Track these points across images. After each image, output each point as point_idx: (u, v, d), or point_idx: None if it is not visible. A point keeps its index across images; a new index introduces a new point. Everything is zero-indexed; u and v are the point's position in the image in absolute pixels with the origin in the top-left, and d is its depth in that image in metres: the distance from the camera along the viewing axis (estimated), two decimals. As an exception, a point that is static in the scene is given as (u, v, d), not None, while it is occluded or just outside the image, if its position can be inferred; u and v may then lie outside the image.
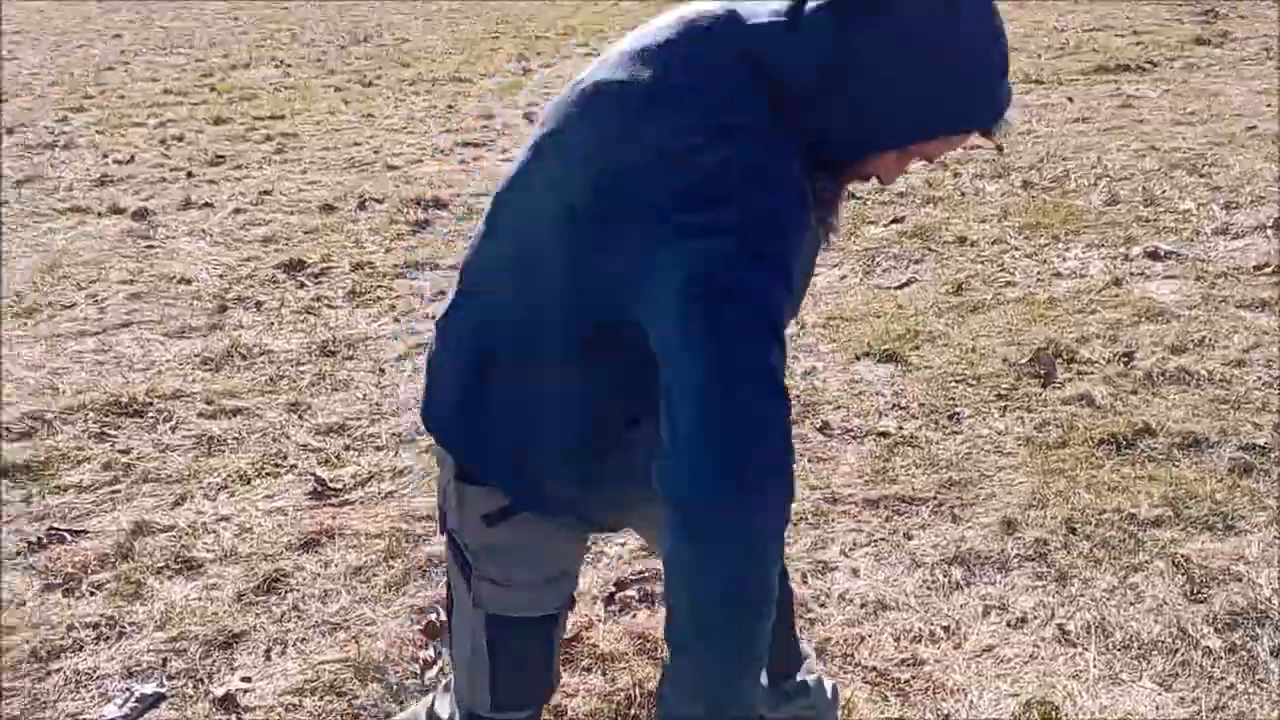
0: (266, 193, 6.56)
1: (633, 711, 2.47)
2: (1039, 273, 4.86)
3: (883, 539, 3.07)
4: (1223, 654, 2.56)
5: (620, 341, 1.34)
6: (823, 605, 2.82)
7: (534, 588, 1.68)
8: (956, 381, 3.90)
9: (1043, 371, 3.90)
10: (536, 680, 1.79)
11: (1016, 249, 5.17)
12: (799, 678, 2.14)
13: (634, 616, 2.78)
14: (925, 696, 2.50)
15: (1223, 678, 2.50)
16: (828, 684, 2.18)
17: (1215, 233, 5.20)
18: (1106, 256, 4.99)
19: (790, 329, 1.49)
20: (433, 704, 2.05)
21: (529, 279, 1.43)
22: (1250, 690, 2.45)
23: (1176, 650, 2.58)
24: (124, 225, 6.04)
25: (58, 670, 2.63)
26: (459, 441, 1.60)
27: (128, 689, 2.57)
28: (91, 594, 2.92)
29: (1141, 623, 2.68)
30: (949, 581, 2.88)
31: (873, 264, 5.12)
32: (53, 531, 3.16)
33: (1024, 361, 3.98)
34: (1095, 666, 2.55)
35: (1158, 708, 2.42)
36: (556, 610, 1.75)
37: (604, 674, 2.59)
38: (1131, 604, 2.75)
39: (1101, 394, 3.72)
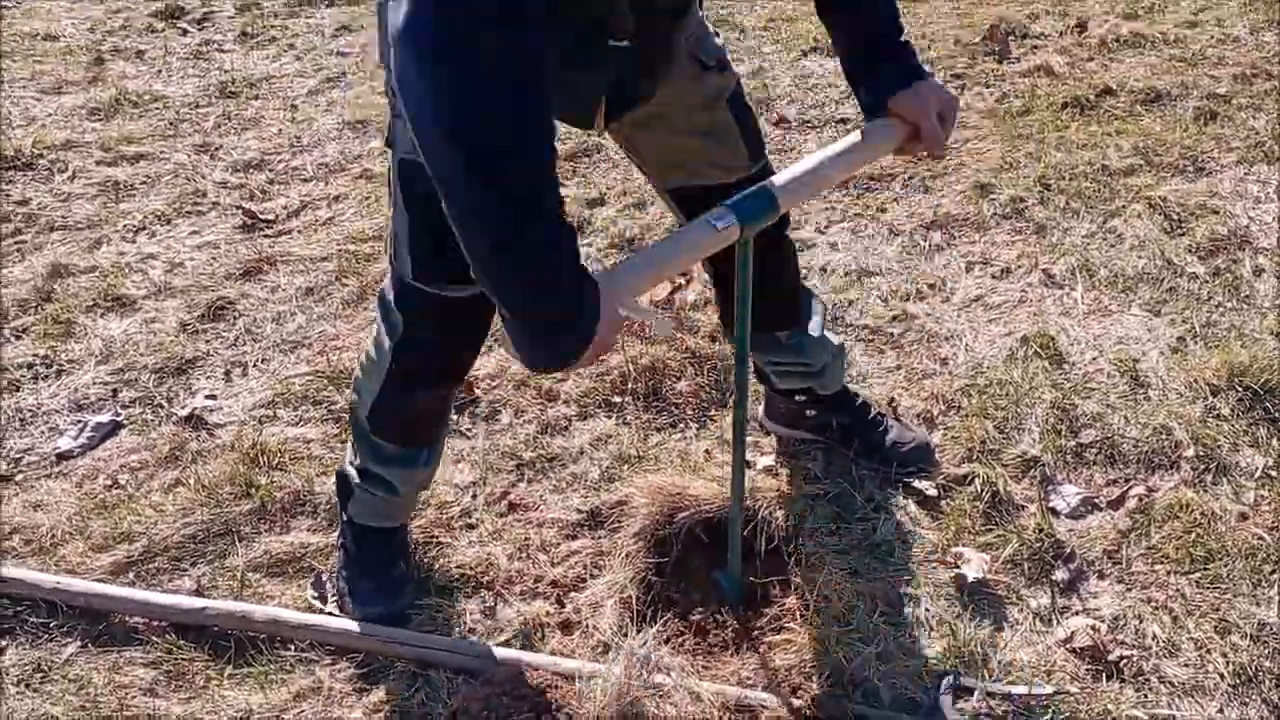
0: (124, -56, 5.82)
1: (628, 385, 2.38)
2: (979, -40, 4.62)
3: (857, 214, 2.97)
4: (1208, 278, 2.56)
5: None
6: (805, 279, 2.73)
7: None
8: (909, 66, 3.73)
9: (997, 48, 3.74)
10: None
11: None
12: (796, 330, 2.04)
13: (614, 303, 2.65)
14: (920, 346, 2.46)
15: (1210, 298, 2.50)
16: (833, 339, 2.10)
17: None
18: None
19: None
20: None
21: None
22: (1238, 306, 2.47)
23: (1162, 279, 2.57)
24: (-36, -12, 5.31)
25: (-4, 411, 2.42)
26: None
27: (79, 420, 2.37)
28: (17, 338, 2.66)
29: (1125, 259, 2.65)
30: (929, 244, 2.81)
31: (805, -34, 4.81)
32: (-42, 284, 2.85)
33: (977, 41, 3.82)
34: (1084, 302, 2.54)
35: (1149, 330, 2.43)
36: None
37: (592, 357, 2.48)
38: (1113, 245, 2.72)
39: (1059, 63, 3.60)
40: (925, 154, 1.60)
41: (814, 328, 2.03)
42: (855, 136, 1.54)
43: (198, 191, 3.30)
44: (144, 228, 3.14)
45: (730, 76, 1.72)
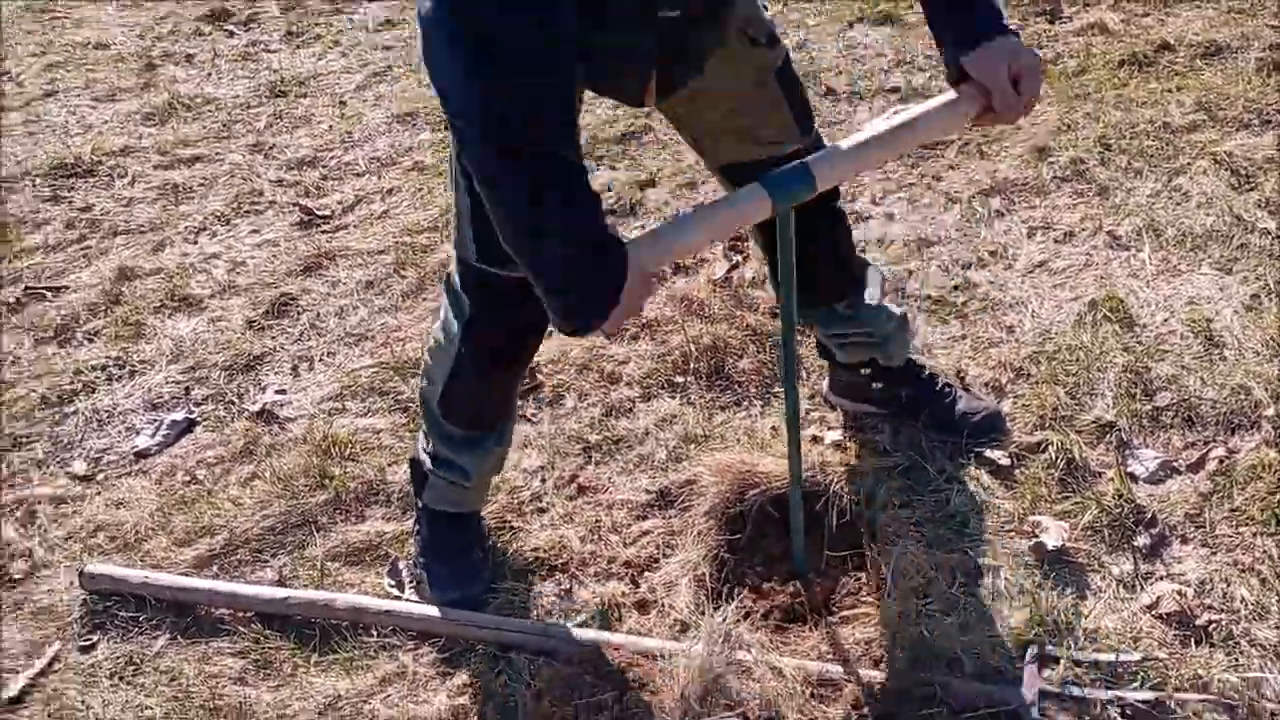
0: (167, -50, 5.90)
1: (690, 365, 2.38)
2: (1025, -81, 4.52)
3: (912, 183, 2.93)
4: (1279, 234, 2.50)
5: None
6: (863, 251, 2.70)
7: None
8: (958, 32, 3.66)
9: (1048, 8, 3.66)
10: None
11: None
12: (854, 300, 2.02)
13: (673, 284, 2.65)
14: (984, 314, 2.43)
15: (1283, 254, 2.44)
16: (895, 309, 2.07)
17: None
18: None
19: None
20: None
21: None
22: (1313, 260, 2.40)
23: (1232, 237, 2.51)
24: (18, 3, 5.42)
25: (74, 412, 2.48)
26: None
27: (155, 419, 2.43)
28: (89, 341, 2.72)
29: (1193, 218, 2.59)
30: (988, 211, 2.77)
31: (846, -65, 4.73)
32: (30, 291, 2.92)
33: (1027, 2, 3.74)
34: (1152, 263, 2.48)
35: (1221, 289, 2.37)
36: None
37: (653, 338, 2.48)
38: (1179, 204, 2.66)
39: (1113, 20, 3.51)
40: (1001, 123, 1.51)
41: (871, 296, 2.01)
42: (912, 110, 1.46)
43: (254, 191, 3.35)
44: (205, 228, 3.19)
45: (779, 51, 1.70)
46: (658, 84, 1.54)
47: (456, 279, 1.69)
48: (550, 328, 1.45)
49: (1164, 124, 2.94)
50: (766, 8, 1.71)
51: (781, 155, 1.68)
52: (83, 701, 1.82)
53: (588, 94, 1.61)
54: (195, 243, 3.13)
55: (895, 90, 3.40)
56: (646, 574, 1.94)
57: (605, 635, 1.78)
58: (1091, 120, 3.02)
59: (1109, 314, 2.33)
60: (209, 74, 4.27)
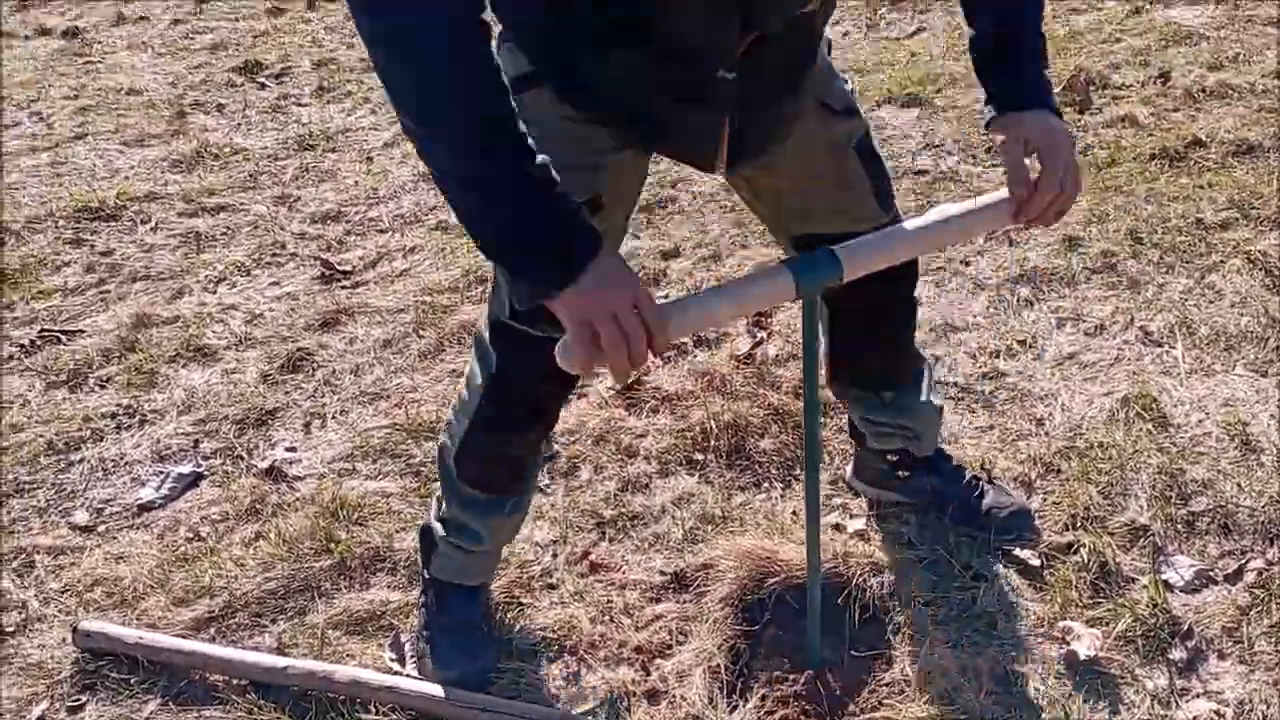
0: (204, 0, 6.00)
1: (710, 443, 2.32)
2: (1054, 10, 4.57)
3: (940, 267, 2.90)
4: (1316, 337, 2.45)
5: None
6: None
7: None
8: (987, 118, 3.67)
9: (1078, 99, 3.67)
10: None
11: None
12: (902, 391, 1.97)
13: (694, 358, 2.61)
14: (1013, 405, 2.37)
15: (1320, 358, 2.39)
16: (938, 402, 2.02)
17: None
18: (1121, -9, 4.71)
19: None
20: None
21: None
22: (1350, 366, 2.35)
23: (1267, 338, 2.47)
24: (55, 45, 5.51)
25: (80, 460, 2.43)
26: None
27: (161, 471, 2.38)
28: (101, 387, 2.68)
29: (1226, 316, 2.55)
30: (1017, 300, 2.73)
31: (875, 17, 4.79)
32: (45, 334, 2.90)
33: (1058, 90, 3.75)
34: (1185, 361, 2.44)
35: (1257, 391, 2.32)
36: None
37: (673, 413, 2.43)
38: (1212, 302, 2.62)
39: (1143, 114, 3.52)
40: (1029, 222, 1.44)
41: (923, 391, 1.96)
42: (953, 207, 1.44)
43: (276, 242, 3.34)
44: (224, 278, 3.17)
45: (860, 123, 1.66)
46: (729, 151, 1.50)
47: (486, 333, 1.66)
48: (573, 391, 1.39)
49: (1196, 220, 2.92)
50: (848, 81, 1.68)
51: (858, 232, 1.62)
52: (65, 768, 1.74)
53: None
54: (214, 292, 3.11)
55: (924, 173, 3.40)
56: (658, 660, 1.87)
57: (614, 726, 1.71)
58: (1122, 213, 3.00)
59: (1142, 411, 2.27)
60: (238, 124, 4.30)
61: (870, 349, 1.94)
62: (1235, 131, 3.33)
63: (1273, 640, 1.77)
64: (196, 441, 2.48)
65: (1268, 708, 1.65)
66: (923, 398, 1.97)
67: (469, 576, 1.92)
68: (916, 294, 1.90)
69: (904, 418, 1.99)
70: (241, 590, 2.04)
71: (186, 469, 2.37)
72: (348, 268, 3.17)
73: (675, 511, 2.18)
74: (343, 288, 3.08)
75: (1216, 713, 1.64)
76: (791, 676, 1.80)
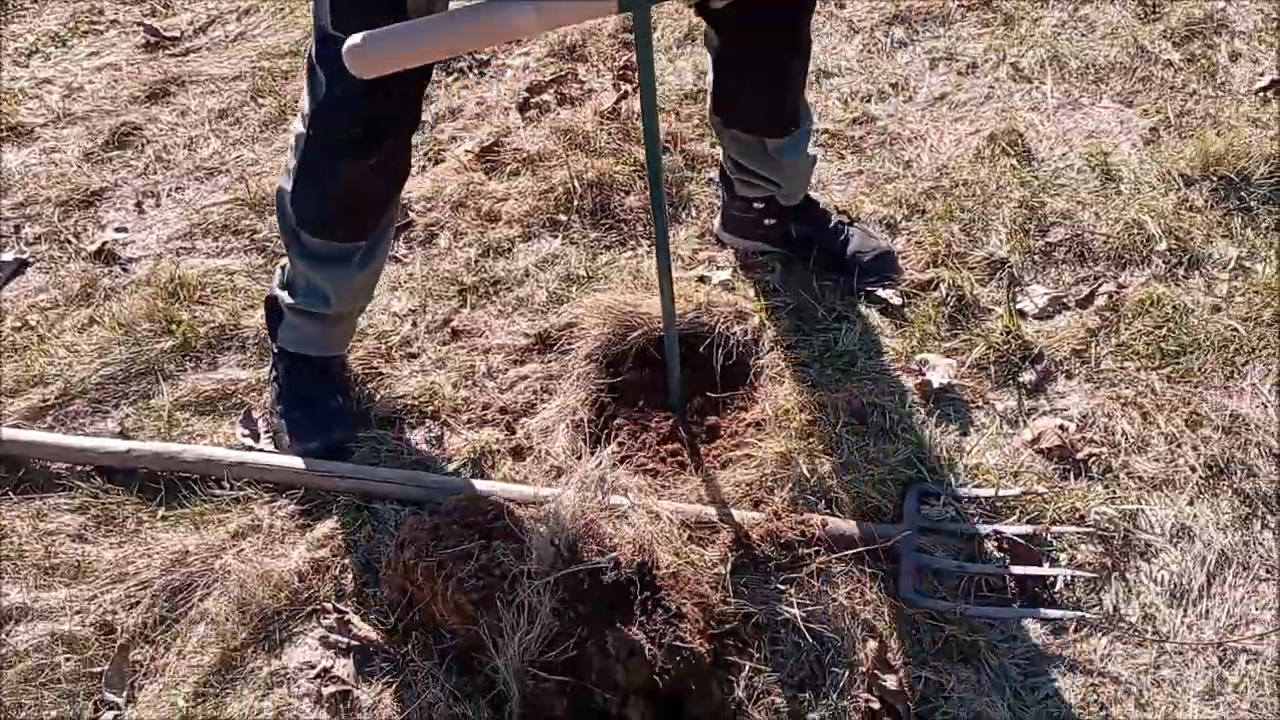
0: None
1: (574, 203, 2.23)
2: None
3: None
4: (1182, 65, 2.42)
5: None
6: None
7: None
8: None
9: None
10: None
11: None
12: (788, 141, 1.87)
13: (556, 115, 2.47)
14: (882, 149, 2.32)
15: (1184, 86, 2.37)
16: (813, 153, 1.95)
17: None
18: None
19: None
20: None
21: None
22: (1213, 94, 2.34)
23: (1135, 69, 2.43)
24: None
25: (-114, 254, 2.22)
26: None
27: (-20, 261, 2.19)
28: (-98, 175, 2.43)
29: (1097, 49, 2.50)
30: (891, 41, 2.63)
31: None
32: None
33: None
34: (1054, 96, 2.39)
35: (1121, 122, 2.30)
36: None
37: (535, 174, 2.31)
38: (1084, 34, 2.55)
39: None
40: None
41: (804, 146, 1.88)
42: None
43: (93, 9, 3.00)
44: (37, 50, 2.85)
45: None
46: None
47: (314, 51, 1.50)
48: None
49: (1073, -49, 2.81)
50: None
51: None
52: (-98, 565, 1.66)
53: None
54: (26, 65, 2.80)
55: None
56: (523, 420, 1.84)
57: (475, 483, 1.69)
58: (1000, -55, 2.86)
59: (1007, 148, 2.24)
60: (39, -123, 3.78)
61: (760, 92, 1.82)
62: None
63: (1118, 359, 1.81)
64: (18, 227, 2.28)
65: (1109, 420, 1.71)
66: (802, 153, 1.90)
67: (320, 347, 1.83)
68: (811, 30, 1.77)
69: (777, 170, 1.91)
70: (77, 377, 1.92)
71: (9, 256, 2.19)
72: (175, 34, 2.88)
73: (539, 274, 2.10)
74: (170, 55, 2.80)
75: (1060, 428, 1.69)
76: (654, 422, 1.79)
